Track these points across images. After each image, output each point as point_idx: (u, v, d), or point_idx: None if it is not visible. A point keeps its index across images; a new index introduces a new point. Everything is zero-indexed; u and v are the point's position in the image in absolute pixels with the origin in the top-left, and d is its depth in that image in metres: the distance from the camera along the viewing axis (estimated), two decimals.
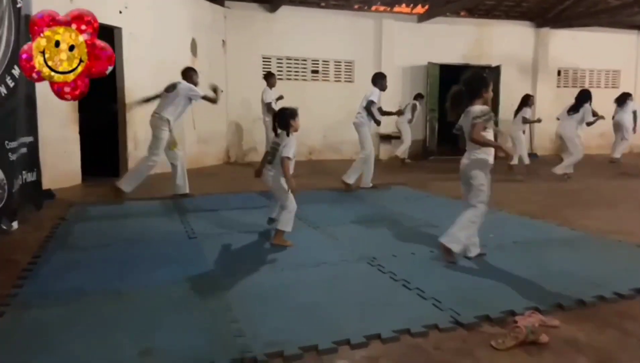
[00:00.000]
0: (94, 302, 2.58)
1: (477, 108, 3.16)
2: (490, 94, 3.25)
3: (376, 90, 6.26)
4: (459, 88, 3.22)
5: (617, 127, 8.86)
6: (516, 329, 2.15)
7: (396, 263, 3.23)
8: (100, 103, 7.18)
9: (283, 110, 3.71)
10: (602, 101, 12.16)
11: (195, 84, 5.58)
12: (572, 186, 6.81)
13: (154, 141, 5.41)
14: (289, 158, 3.51)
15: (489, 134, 3.20)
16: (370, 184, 6.30)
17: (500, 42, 11.08)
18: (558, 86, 11.59)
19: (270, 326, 2.28)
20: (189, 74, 5.59)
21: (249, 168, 8.66)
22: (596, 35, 11.63)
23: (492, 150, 3.22)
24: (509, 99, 10.98)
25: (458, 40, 10.77)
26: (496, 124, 8.21)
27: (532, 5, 10.94)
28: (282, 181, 3.57)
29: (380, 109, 6.47)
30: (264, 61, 9.81)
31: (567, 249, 3.64)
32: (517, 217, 4.72)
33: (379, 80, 6.37)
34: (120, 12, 6.85)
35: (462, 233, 3.20)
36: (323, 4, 10.12)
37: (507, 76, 10.76)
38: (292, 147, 3.54)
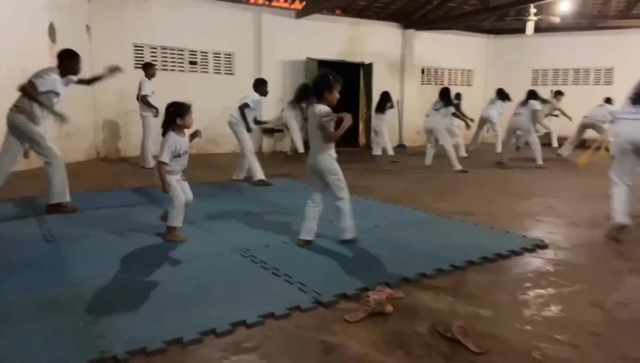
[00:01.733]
0: None
1: (322, 108, 3.41)
2: (335, 96, 3.47)
3: (255, 95, 6.37)
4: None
5: (483, 122, 10.09)
6: (366, 302, 2.43)
7: (268, 253, 3.37)
8: None
9: (169, 105, 3.53)
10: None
11: (74, 71, 4.53)
12: (432, 174, 7.61)
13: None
14: (164, 163, 3.44)
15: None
16: (261, 178, 6.30)
17: (372, 41, 11.84)
18: (422, 83, 12.76)
19: (134, 324, 2.26)
20: (60, 60, 4.47)
21: (122, 164, 8.21)
22: (453, 37, 13.01)
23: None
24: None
25: (334, 38, 11.27)
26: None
27: (399, 7, 11.86)
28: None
29: (255, 119, 6.52)
30: (135, 50, 9.28)
31: (417, 229, 4.12)
32: (381, 203, 5.17)
33: (259, 86, 6.47)
34: None
35: (347, 223, 3.56)
36: None
37: (378, 73, 11.56)
38: (166, 149, 3.43)
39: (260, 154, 10.26)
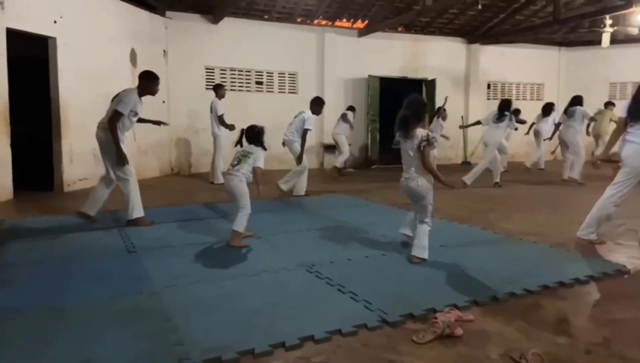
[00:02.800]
0: (30, 319, 2.56)
1: (423, 132, 3.49)
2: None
3: (311, 116, 6.67)
4: (405, 113, 3.50)
5: (536, 135, 9.67)
6: (435, 324, 2.39)
7: (333, 269, 3.41)
8: (33, 114, 6.96)
9: (253, 127, 4.22)
10: (529, 111, 13.19)
11: (152, 92, 4.78)
12: (497, 191, 7.34)
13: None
14: (260, 168, 4.08)
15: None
16: (303, 193, 6.74)
17: (435, 57, 11.72)
18: (488, 98, 12.40)
19: (210, 334, 2.38)
20: (141, 81, 4.75)
21: (193, 180, 8.65)
22: (521, 51, 12.57)
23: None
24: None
25: (396, 54, 11.29)
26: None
27: (463, 22, 11.68)
28: (245, 185, 4.01)
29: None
30: (207, 72, 9.82)
31: (486, 250, 3.99)
32: (446, 222, 5.06)
33: (317, 105, 6.79)
34: (55, 22, 6.67)
35: (424, 242, 3.61)
36: (266, 17, 10.29)
37: (441, 89, 11.39)
38: (262, 160, 4.11)
39: (322, 171, 10.42)
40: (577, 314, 2.73)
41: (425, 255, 3.58)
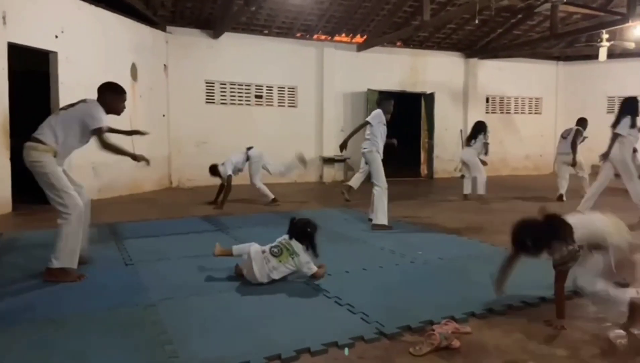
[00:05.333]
0: (26, 330, 2.56)
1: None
2: None
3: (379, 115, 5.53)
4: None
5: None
6: (432, 336, 2.37)
7: (330, 282, 3.39)
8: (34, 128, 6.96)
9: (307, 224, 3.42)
10: (527, 125, 13.24)
11: (116, 110, 3.71)
12: (495, 206, 7.34)
13: None
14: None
15: None
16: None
17: (434, 71, 11.82)
18: (487, 112, 12.46)
19: (205, 346, 2.36)
20: (102, 93, 3.64)
21: (191, 193, 8.65)
22: (520, 65, 12.67)
23: None
24: (442, 124, 11.71)
25: (395, 69, 11.38)
26: None
27: (462, 37, 11.80)
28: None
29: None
30: (207, 86, 9.89)
31: (484, 263, 3.95)
32: (445, 235, 5.06)
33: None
34: (57, 37, 6.75)
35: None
36: (266, 32, 10.40)
37: (440, 102, 11.49)
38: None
39: (320, 184, 10.44)
40: (575, 326, 2.71)
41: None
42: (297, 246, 3.33)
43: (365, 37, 11.00)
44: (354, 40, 11.14)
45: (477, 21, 9.16)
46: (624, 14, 8.61)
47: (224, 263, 3.86)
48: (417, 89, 11.59)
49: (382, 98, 5.81)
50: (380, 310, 2.82)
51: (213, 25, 9.66)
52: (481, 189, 7.60)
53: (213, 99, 9.95)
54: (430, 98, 11.47)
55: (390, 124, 5.59)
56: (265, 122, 10.20)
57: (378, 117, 5.44)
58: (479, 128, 8.01)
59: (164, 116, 9.27)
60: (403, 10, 10.18)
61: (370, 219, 5.45)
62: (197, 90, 9.74)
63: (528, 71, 12.87)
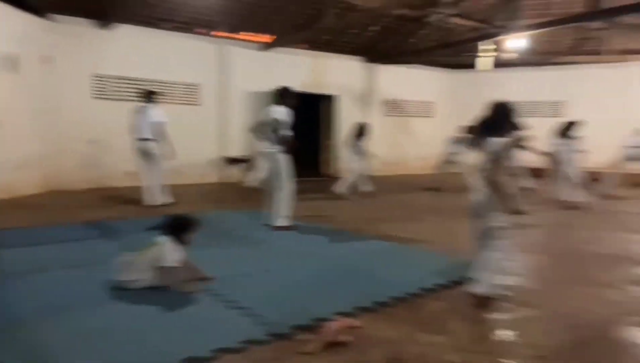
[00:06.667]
0: None
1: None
2: None
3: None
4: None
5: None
6: (322, 333, 2.42)
7: (225, 285, 3.30)
8: None
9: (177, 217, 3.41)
10: (422, 128, 14.11)
11: None
12: (389, 202, 7.73)
13: None
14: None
15: None
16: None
17: (336, 74, 12.14)
18: (385, 115, 13.09)
19: (87, 360, 2.18)
20: None
21: (79, 195, 7.94)
22: (416, 71, 13.51)
23: None
24: (344, 125, 12.03)
25: (299, 70, 11.48)
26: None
27: (363, 42, 12.27)
28: None
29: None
30: (97, 80, 9.16)
31: (377, 258, 4.15)
32: (343, 232, 5.20)
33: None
34: None
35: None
36: (165, 26, 9.91)
37: (342, 105, 11.84)
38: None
39: (223, 184, 10.21)
40: (454, 314, 2.92)
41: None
42: (161, 239, 3.22)
43: (270, 36, 10.97)
44: (257, 39, 11.06)
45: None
46: (505, 27, 9.57)
47: (105, 274, 3.58)
48: (322, 90, 11.82)
49: (284, 93, 5.60)
50: (274, 311, 2.82)
51: (104, 15, 8.97)
52: (342, 188, 8.07)
53: (105, 95, 9.25)
54: (332, 100, 11.77)
55: (293, 124, 5.57)
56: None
57: (281, 115, 5.39)
58: (361, 130, 8.42)
59: (49, 111, 8.42)
60: (306, 12, 10.31)
61: (272, 221, 5.39)
62: (85, 84, 8.98)
63: (423, 77, 13.76)
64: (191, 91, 10.30)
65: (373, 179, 8.85)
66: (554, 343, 2.53)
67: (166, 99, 9.93)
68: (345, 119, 11.88)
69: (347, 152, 8.63)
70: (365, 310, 2.89)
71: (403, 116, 13.67)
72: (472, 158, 8.33)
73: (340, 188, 8.19)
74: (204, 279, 3.28)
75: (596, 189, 8.62)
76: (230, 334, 2.49)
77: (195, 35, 10.27)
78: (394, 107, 13.50)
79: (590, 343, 2.53)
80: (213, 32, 10.51)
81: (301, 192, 7.88)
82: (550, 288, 3.49)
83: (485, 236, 3.03)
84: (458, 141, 8.90)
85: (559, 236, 5.52)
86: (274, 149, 5.32)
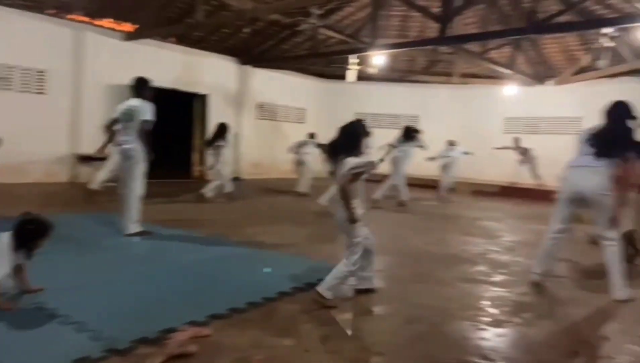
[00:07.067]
0: None
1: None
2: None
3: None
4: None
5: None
6: (165, 345, 2.28)
7: (63, 299, 2.94)
8: None
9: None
10: (294, 133, 14.40)
11: None
12: (255, 205, 7.73)
13: None
14: None
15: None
16: None
17: (208, 73, 11.79)
18: (258, 118, 13.09)
19: None
20: None
21: None
22: (289, 77, 13.75)
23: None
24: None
25: (168, 65, 10.88)
26: None
27: (237, 43, 12.11)
28: None
29: None
30: None
31: (236, 263, 4.10)
32: (205, 237, 5.03)
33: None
34: None
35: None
36: (9, 2, 8.61)
37: (214, 105, 11.54)
38: None
39: (74, 185, 9.22)
40: (305, 316, 2.98)
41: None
42: None
43: (134, 26, 10.21)
44: (120, 28, 10.22)
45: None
46: (369, 43, 10.22)
47: None
48: (192, 89, 11.37)
49: (140, 84, 4.98)
50: (116, 325, 2.59)
51: None
52: (209, 191, 7.90)
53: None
54: (204, 99, 11.41)
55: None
56: (2, 109, 8.43)
57: (137, 108, 4.91)
58: (221, 131, 8.10)
59: None
60: (177, 6, 9.84)
61: (124, 226, 4.92)
62: None
63: (295, 83, 14.07)
64: (36, 78, 9.10)
65: (243, 182, 8.79)
66: (394, 340, 2.73)
67: (4, 85, 8.67)
68: (217, 119, 11.53)
69: (208, 153, 8.36)
70: (217, 317, 2.80)
71: (276, 120, 13.82)
72: (319, 161, 8.91)
73: (208, 190, 7.93)
74: (31, 291, 2.88)
75: (436, 195, 9.79)
76: (60, 353, 2.21)
77: (46, 17, 9.13)
78: (267, 111, 13.58)
79: (425, 338, 2.78)
80: (68, 16, 9.45)
81: (166, 195, 7.50)
82: (396, 286, 3.77)
83: (348, 245, 3.20)
84: (306, 144, 9.60)
85: (404, 239, 6.03)
86: (129, 146, 4.87)
